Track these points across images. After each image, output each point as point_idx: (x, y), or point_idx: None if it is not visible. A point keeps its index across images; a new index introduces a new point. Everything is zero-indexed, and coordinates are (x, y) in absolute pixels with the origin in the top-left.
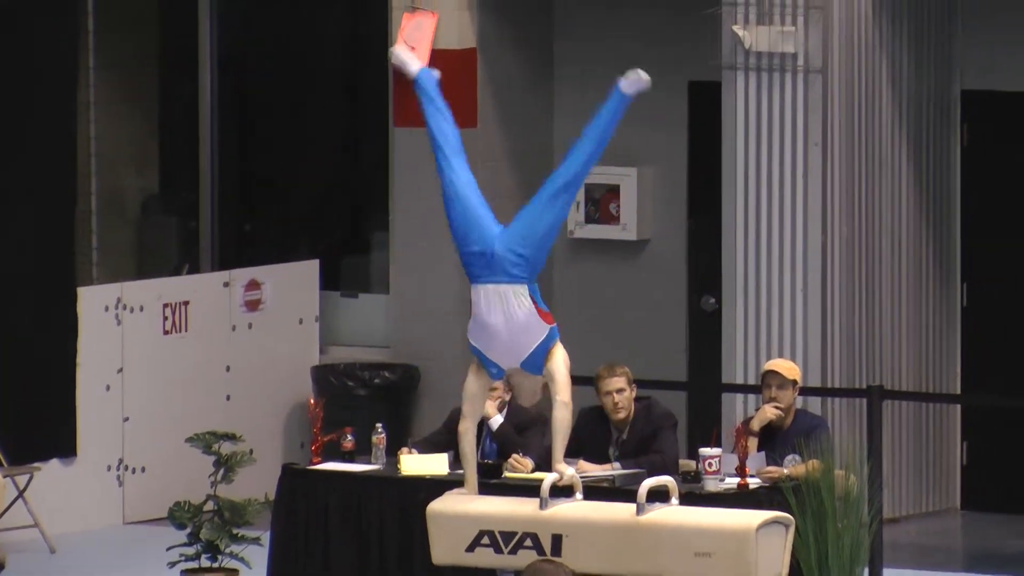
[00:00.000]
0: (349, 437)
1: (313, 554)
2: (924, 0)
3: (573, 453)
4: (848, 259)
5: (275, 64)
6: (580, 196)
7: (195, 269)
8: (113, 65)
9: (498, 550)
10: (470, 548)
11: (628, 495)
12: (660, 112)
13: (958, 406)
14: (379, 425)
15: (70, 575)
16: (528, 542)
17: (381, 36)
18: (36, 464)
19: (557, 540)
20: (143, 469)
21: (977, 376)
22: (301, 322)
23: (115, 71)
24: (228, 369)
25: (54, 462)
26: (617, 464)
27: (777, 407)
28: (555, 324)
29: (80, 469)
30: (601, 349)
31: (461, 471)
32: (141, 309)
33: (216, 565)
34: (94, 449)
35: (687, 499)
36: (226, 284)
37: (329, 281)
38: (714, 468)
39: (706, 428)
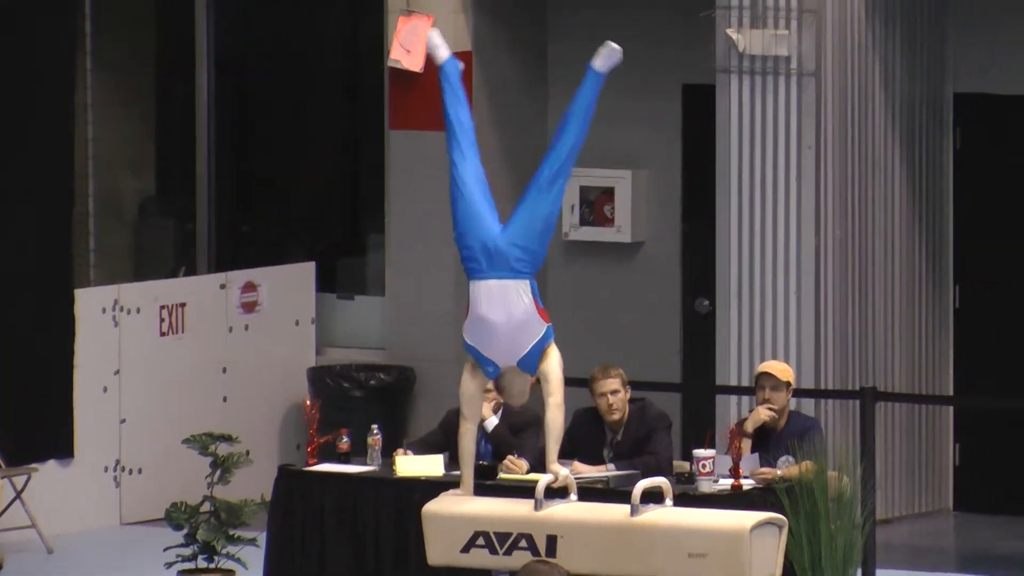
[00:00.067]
0: (345, 438)
1: (309, 555)
2: (917, 3)
3: (567, 454)
4: (841, 261)
5: (271, 66)
6: (575, 198)
7: (192, 271)
8: (110, 67)
9: (493, 551)
10: (465, 549)
11: (622, 496)
12: (654, 115)
13: (951, 408)
14: (375, 426)
15: (67, 575)
16: (523, 543)
17: (377, 39)
18: (34, 465)
19: (552, 541)
20: (140, 470)
21: (969, 378)
22: (297, 324)
23: (112, 73)
24: (224, 371)
25: (51, 463)
26: (611, 465)
27: (771, 409)
28: (551, 323)
29: (77, 470)
30: (596, 351)
31: (456, 472)
32: (138, 311)
33: (213, 566)
34: (91, 450)
35: (681, 500)
36: (222, 286)
37: (325, 283)
38: (708, 469)
39: (700, 429)
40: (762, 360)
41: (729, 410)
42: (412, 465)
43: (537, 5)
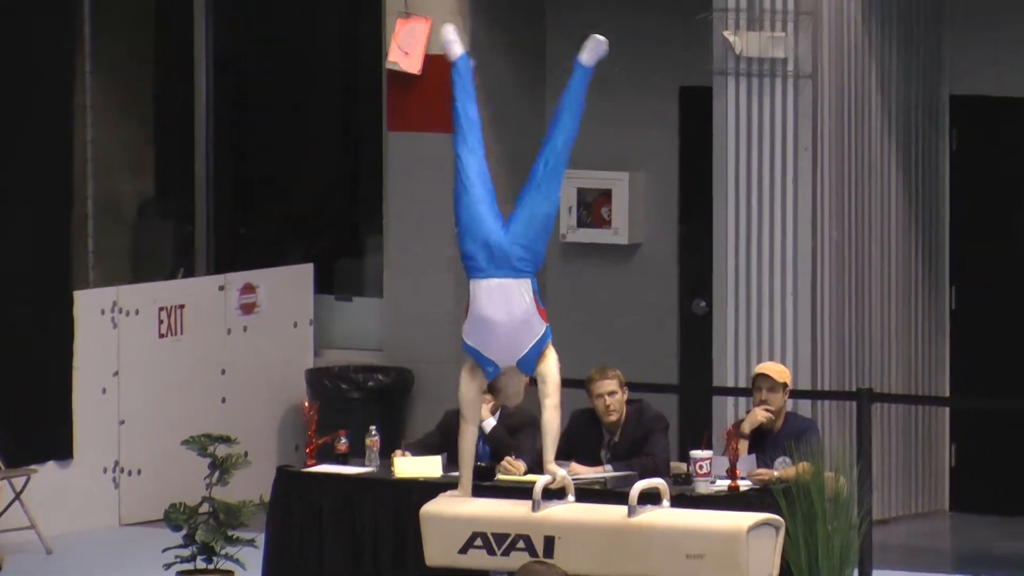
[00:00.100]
0: (343, 440)
1: (308, 555)
2: (913, 5)
3: (565, 455)
4: (838, 263)
5: (270, 68)
6: (572, 200)
7: (190, 273)
8: (109, 69)
9: (491, 552)
10: (463, 550)
11: (620, 497)
12: (652, 117)
13: (947, 409)
14: (373, 428)
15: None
16: (521, 544)
17: (375, 41)
18: (33, 466)
19: (549, 542)
20: (139, 471)
21: (966, 379)
22: (295, 325)
23: (111, 75)
24: (223, 372)
25: (51, 464)
26: (609, 466)
27: (767, 410)
28: (549, 324)
29: (76, 471)
30: (593, 352)
31: (454, 473)
32: (137, 313)
33: (211, 567)
34: (90, 451)
35: (678, 501)
36: (221, 288)
37: (323, 285)
38: (705, 470)
39: (697, 431)
40: (759, 361)
41: (726, 411)
42: (410, 466)
43: (535, 8)
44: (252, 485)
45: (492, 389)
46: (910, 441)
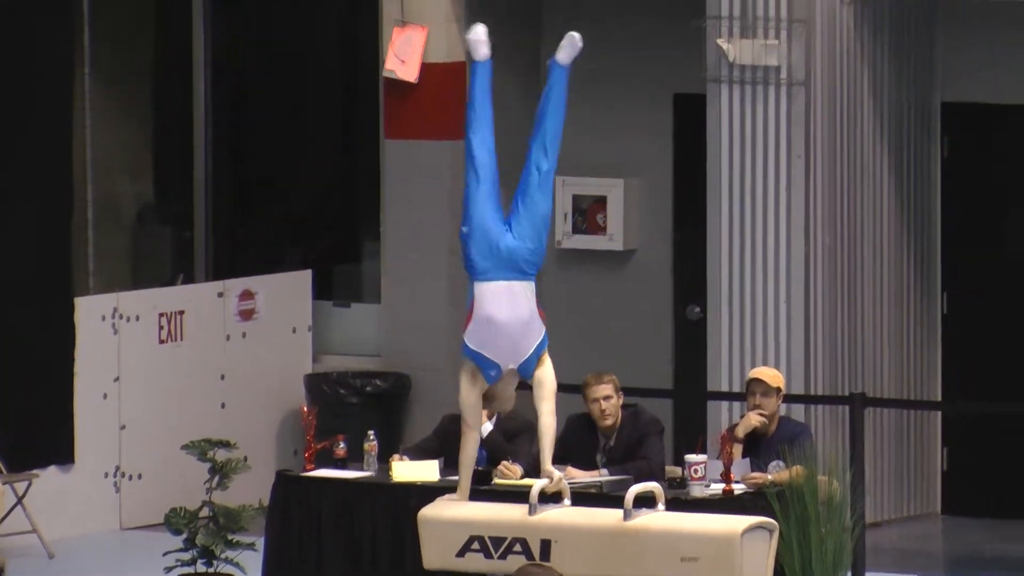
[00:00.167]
0: (341, 444)
1: (307, 559)
2: (905, 13)
3: (561, 460)
4: (831, 269)
5: (268, 74)
6: (567, 207)
7: (190, 279)
8: (108, 73)
9: (488, 555)
10: (460, 553)
11: (615, 501)
12: (646, 124)
13: (939, 413)
14: (371, 432)
15: None
16: (517, 547)
17: (372, 49)
18: (34, 471)
19: (546, 545)
20: (140, 476)
21: (957, 384)
22: (294, 331)
23: (110, 79)
24: (223, 377)
25: (52, 469)
26: (604, 470)
27: (761, 414)
28: (546, 328)
29: (78, 476)
30: (588, 358)
31: (451, 477)
32: (137, 319)
33: (212, 570)
34: (91, 456)
35: (673, 505)
36: (220, 294)
37: (322, 291)
38: (700, 474)
39: (692, 435)
40: (752, 366)
41: (720, 416)
42: (408, 470)
43: (531, 14)
44: (252, 489)
45: (485, 396)
46: (902, 445)
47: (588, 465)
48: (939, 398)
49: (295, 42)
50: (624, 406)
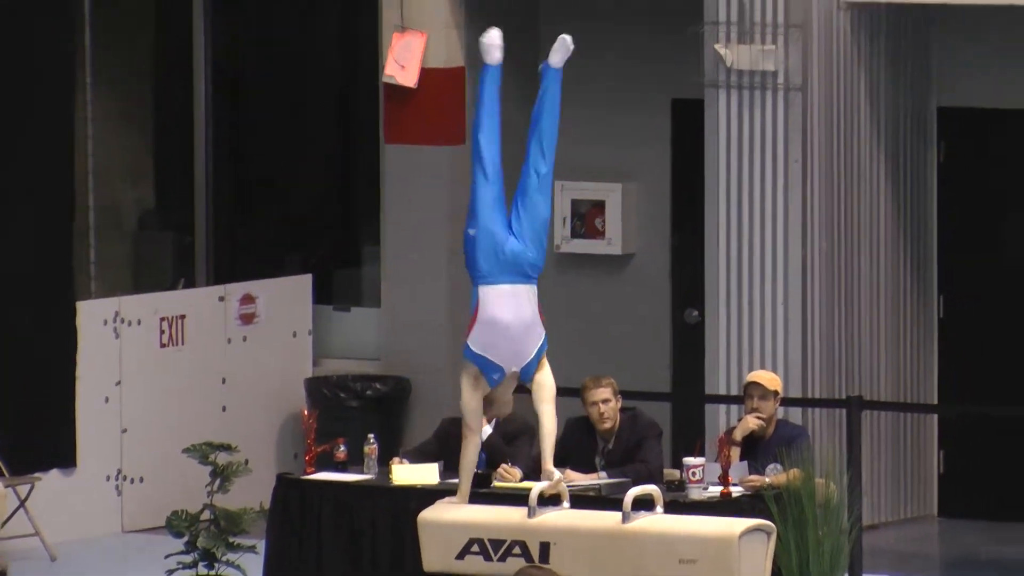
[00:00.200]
0: (342, 447)
1: (307, 561)
2: (901, 18)
3: (560, 462)
4: (828, 272)
5: (269, 80)
6: (566, 211)
7: (191, 284)
8: (109, 80)
9: (487, 558)
10: (460, 556)
11: (614, 503)
12: (644, 129)
13: (935, 416)
14: (371, 436)
15: None
16: (517, 549)
17: (372, 54)
18: (37, 474)
19: (545, 548)
20: (141, 479)
21: (953, 387)
22: (295, 335)
23: (111, 85)
24: (224, 381)
25: (54, 472)
26: (603, 473)
27: (759, 417)
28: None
29: (80, 479)
30: (587, 361)
31: (451, 481)
32: (139, 323)
33: (213, 573)
34: (93, 459)
35: (671, 507)
36: (221, 298)
37: (322, 295)
38: (698, 477)
39: (690, 438)
40: (750, 370)
41: (718, 419)
42: (408, 474)
43: (529, 20)
44: (252, 492)
45: (485, 400)
46: (899, 448)
47: (587, 468)
48: (935, 401)
49: (295, 46)
50: (623, 409)
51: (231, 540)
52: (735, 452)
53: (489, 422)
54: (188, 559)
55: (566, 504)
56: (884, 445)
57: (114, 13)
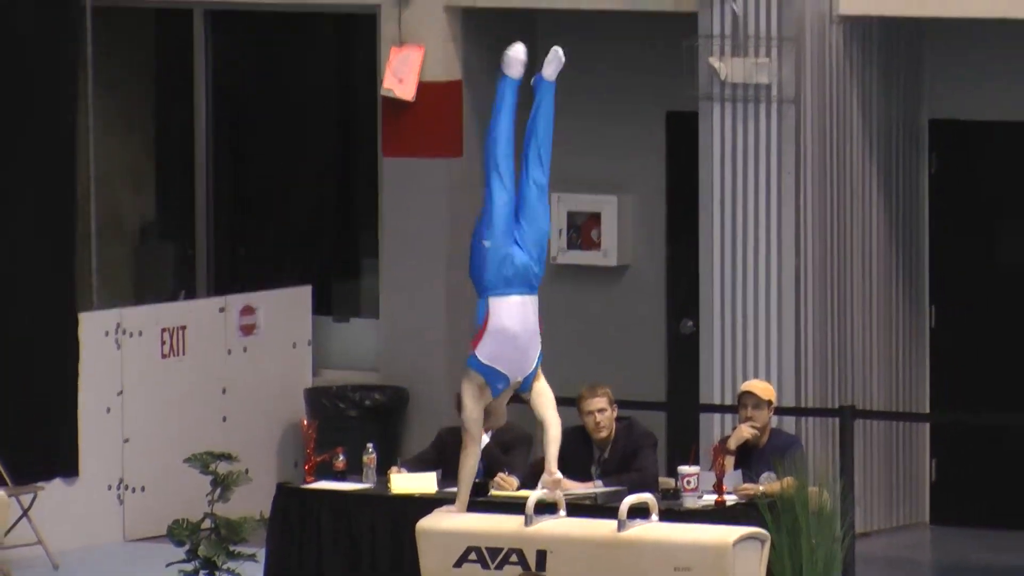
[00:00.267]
0: (341, 457)
1: (307, 569)
2: (894, 31)
3: None
4: (821, 283)
5: (268, 92)
6: (563, 223)
7: (192, 295)
8: (111, 91)
9: (485, 565)
10: (458, 564)
11: (610, 512)
12: (639, 142)
13: (927, 424)
14: (370, 445)
15: None
16: (514, 557)
17: (371, 66)
18: (39, 483)
19: (542, 556)
20: (143, 488)
21: (945, 395)
22: (294, 346)
23: (113, 97)
24: (224, 391)
25: (57, 481)
26: (599, 482)
27: (753, 426)
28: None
29: (82, 488)
30: (583, 371)
31: (449, 489)
32: (140, 334)
33: None
34: (95, 469)
35: (667, 515)
36: (222, 309)
37: (321, 306)
38: (692, 485)
39: (685, 447)
40: (744, 379)
41: (713, 428)
42: (406, 482)
43: (525, 34)
44: (253, 501)
45: (489, 410)
46: (891, 456)
47: (583, 477)
48: (927, 410)
49: (295, 60)
50: (618, 419)
51: (232, 548)
52: (729, 461)
53: (485, 432)
54: (189, 567)
55: (563, 512)
56: (877, 453)
57: (115, 25)
